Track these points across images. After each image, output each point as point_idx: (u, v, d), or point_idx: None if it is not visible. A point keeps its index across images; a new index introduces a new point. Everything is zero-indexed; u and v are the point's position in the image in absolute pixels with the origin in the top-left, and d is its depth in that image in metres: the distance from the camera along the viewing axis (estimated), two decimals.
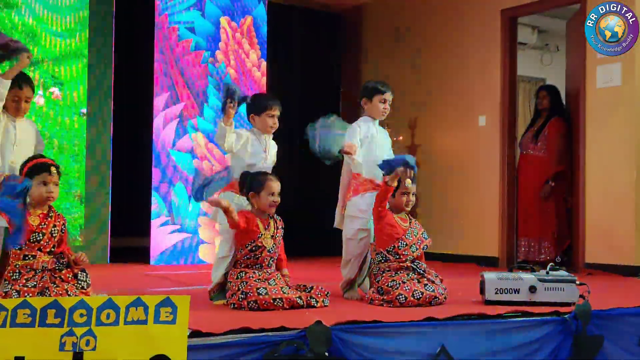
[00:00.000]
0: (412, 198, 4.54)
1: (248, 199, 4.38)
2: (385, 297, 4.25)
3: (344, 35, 9.45)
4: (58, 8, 7.11)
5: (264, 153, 4.60)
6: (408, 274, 4.34)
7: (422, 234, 4.52)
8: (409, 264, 4.38)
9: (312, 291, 4.16)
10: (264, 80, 7.90)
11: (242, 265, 4.25)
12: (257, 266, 4.24)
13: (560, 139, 7.04)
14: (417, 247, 4.45)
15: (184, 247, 7.34)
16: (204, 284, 4.86)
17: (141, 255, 7.30)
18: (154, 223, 7.21)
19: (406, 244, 4.41)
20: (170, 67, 7.41)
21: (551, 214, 7.04)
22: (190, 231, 7.36)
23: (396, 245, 4.40)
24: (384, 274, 4.38)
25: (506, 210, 7.43)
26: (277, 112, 4.64)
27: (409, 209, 4.56)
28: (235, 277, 4.20)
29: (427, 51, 8.39)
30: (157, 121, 7.30)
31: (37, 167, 3.85)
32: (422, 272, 4.36)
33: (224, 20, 7.71)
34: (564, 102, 7.34)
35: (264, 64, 7.94)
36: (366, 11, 9.27)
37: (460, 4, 8.03)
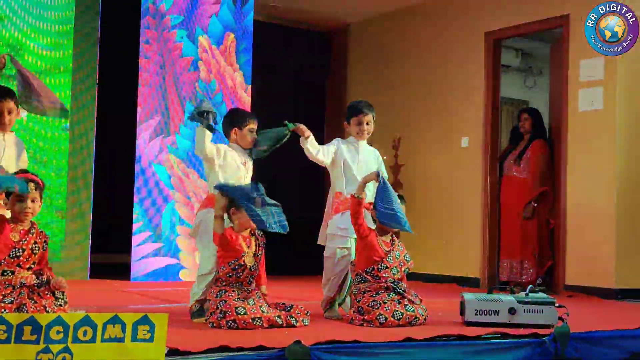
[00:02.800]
0: None
1: (229, 215, 4.36)
2: (365, 317, 4.24)
3: (330, 54, 9.49)
4: (43, 22, 7.10)
5: (244, 167, 4.59)
6: (389, 294, 4.33)
7: (404, 256, 4.50)
8: (389, 284, 4.38)
9: (292, 310, 4.14)
10: (247, 97, 7.90)
11: (223, 283, 4.22)
12: (237, 284, 4.22)
13: (542, 161, 7.10)
14: (399, 269, 4.44)
15: (165, 264, 7.29)
16: (183, 302, 4.84)
17: (121, 271, 7.25)
18: (135, 239, 7.17)
19: (386, 267, 4.40)
20: (167, 82, 7.39)
21: (533, 235, 7.08)
22: (168, 245, 7.32)
23: (375, 267, 4.39)
24: (364, 294, 4.37)
25: (488, 231, 7.46)
26: (255, 127, 4.66)
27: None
28: (214, 295, 4.17)
29: (412, 72, 8.44)
30: (142, 136, 7.27)
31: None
32: (402, 292, 4.36)
33: (203, 40, 7.70)
34: (546, 124, 7.40)
35: (245, 78, 7.96)
36: (352, 31, 9.32)
37: (444, 25, 8.10)
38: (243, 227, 4.30)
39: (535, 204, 7.06)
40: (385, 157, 5.23)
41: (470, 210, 7.62)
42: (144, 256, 7.21)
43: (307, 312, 4.18)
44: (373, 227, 4.59)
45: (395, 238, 4.58)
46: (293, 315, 4.09)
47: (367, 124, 4.88)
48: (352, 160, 4.82)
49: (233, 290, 4.16)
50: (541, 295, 4.33)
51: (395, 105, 8.41)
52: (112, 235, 7.55)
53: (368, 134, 4.93)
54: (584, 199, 6.74)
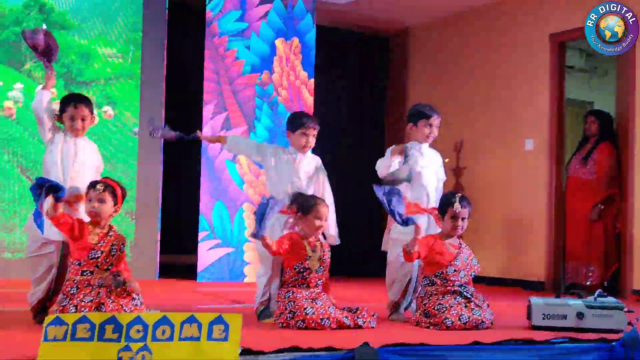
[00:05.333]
0: (462, 223, 4.47)
1: (296, 220, 4.45)
2: (431, 320, 4.26)
3: (390, 58, 9.52)
4: (112, 29, 7.32)
5: (293, 169, 4.65)
6: (455, 298, 4.35)
7: (471, 259, 4.50)
8: (456, 288, 4.39)
9: (359, 312, 4.20)
10: (311, 100, 8.00)
11: (290, 285, 4.31)
12: (304, 286, 4.30)
13: (609, 163, 7.00)
14: (466, 272, 4.45)
15: (230, 263, 7.42)
16: (249, 302, 4.94)
17: (188, 271, 7.41)
18: (201, 239, 7.32)
19: (455, 270, 4.41)
20: (223, 88, 7.54)
21: (599, 237, 6.99)
22: (234, 246, 7.45)
23: (444, 271, 4.40)
24: (430, 298, 4.39)
25: (553, 234, 7.39)
26: (311, 131, 4.69)
27: (458, 233, 4.53)
28: (283, 296, 4.26)
29: (475, 74, 8.41)
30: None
31: (88, 185, 4.03)
32: (469, 296, 4.37)
33: (278, 42, 7.85)
34: (612, 124, 7.30)
35: (311, 83, 8.03)
36: (413, 34, 9.33)
37: (508, 27, 8.05)
38: (309, 233, 4.38)
39: (602, 207, 6.97)
40: (447, 160, 5.24)
41: (534, 213, 7.56)
42: (210, 256, 7.35)
43: (374, 314, 4.24)
44: (438, 231, 4.61)
45: (462, 242, 4.57)
46: (360, 316, 4.15)
47: (436, 127, 4.92)
48: (416, 164, 4.81)
49: (300, 292, 4.24)
50: (610, 299, 4.29)
51: (458, 108, 8.39)
52: (179, 236, 7.71)
53: (433, 137, 4.96)
54: None
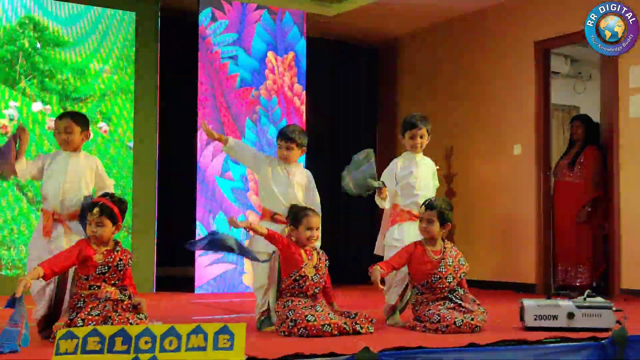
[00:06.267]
0: (427, 225, 4.59)
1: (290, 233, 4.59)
2: (426, 325, 4.38)
3: (380, 67, 9.65)
4: (105, 46, 7.42)
5: (287, 180, 4.77)
6: (444, 303, 4.47)
7: (458, 260, 4.61)
8: (445, 294, 4.51)
9: (357, 317, 4.31)
10: (303, 112, 8.11)
11: (288, 295, 4.43)
12: (302, 295, 4.42)
13: (595, 166, 7.15)
14: (454, 275, 4.57)
15: (227, 276, 7.52)
16: (250, 312, 5.04)
17: (186, 284, 7.50)
18: (198, 252, 7.41)
19: (440, 277, 4.52)
20: (218, 101, 7.65)
21: (587, 239, 7.13)
22: (231, 261, 7.54)
23: (429, 280, 4.52)
24: (421, 305, 4.53)
25: (542, 238, 7.52)
26: (285, 144, 4.79)
27: (426, 235, 4.62)
28: (282, 306, 4.38)
29: (462, 82, 8.55)
30: (205, 153, 7.52)
31: (87, 206, 4.13)
32: (459, 301, 4.49)
33: (270, 55, 7.97)
34: (598, 129, 7.45)
35: (303, 95, 8.15)
36: (402, 44, 9.47)
37: (494, 35, 8.20)
38: (302, 243, 4.51)
39: (589, 209, 7.11)
40: (438, 167, 5.37)
41: (524, 217, 7.69)
42: (207, 269, 7.43)
43: (372, 319, 4.36)
44: (418, 238, 4.71)
45: (447, 244, 4.68)
46: (358, 322, 4.26)
47: (421, 137, 5.02)
48: (409, 174, 4.97)
49: (299, 300, 4.36)
50: (599, 299, 4.43)
51: (447, 115, 8.53)
52: (176, 248, 7.79)
53: (422, 147, 5.07)
54: (637, 203, 6.79)
